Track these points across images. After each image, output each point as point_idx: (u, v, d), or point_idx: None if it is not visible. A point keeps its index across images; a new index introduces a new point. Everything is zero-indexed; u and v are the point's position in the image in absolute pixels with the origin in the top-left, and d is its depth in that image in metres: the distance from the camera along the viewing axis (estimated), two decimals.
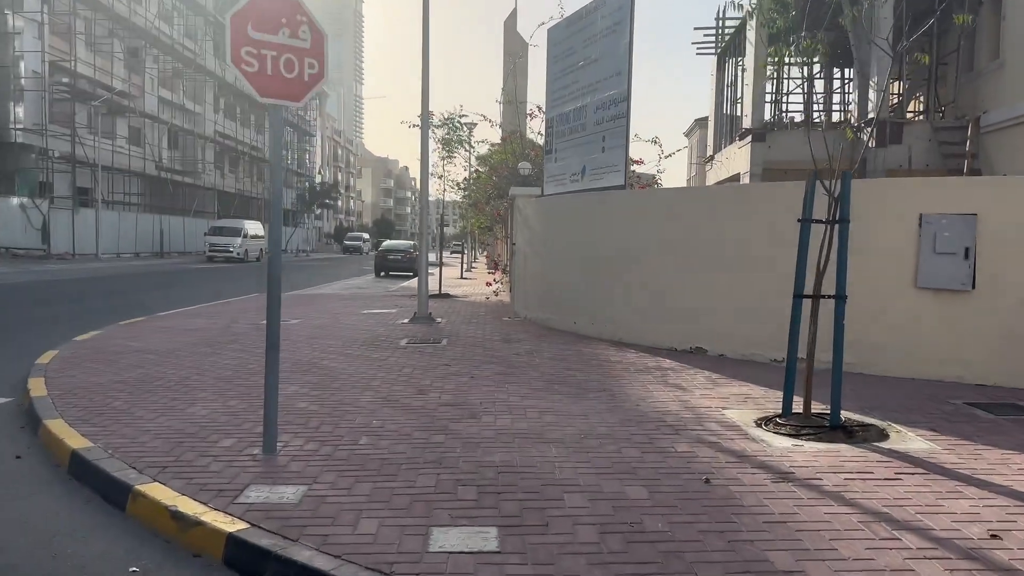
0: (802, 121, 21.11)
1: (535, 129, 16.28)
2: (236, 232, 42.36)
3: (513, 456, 4.76)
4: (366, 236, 72.60)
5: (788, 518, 3.81)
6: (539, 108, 14.74)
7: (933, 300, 7.32)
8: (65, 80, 36.27)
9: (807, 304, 5.59)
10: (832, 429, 5.37)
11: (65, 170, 36.27)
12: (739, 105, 22.64)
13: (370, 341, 9.68)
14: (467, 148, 16.55)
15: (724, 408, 6.11)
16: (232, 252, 41.00)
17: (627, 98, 10.03)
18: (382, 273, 29.82)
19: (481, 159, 18.32)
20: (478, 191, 18.20)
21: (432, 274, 25.46)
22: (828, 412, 5.64)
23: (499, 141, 16.78)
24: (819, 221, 5.56)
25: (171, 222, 45.52)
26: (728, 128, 22.74)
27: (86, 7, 37.53)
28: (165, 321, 12.13)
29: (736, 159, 19.84)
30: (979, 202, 7.09)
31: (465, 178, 18.68)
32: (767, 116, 20.37)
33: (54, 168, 35.62)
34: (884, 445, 5.13)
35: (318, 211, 79.37)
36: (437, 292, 17.42)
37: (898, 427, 5.60)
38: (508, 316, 12.60)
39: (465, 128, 16.07)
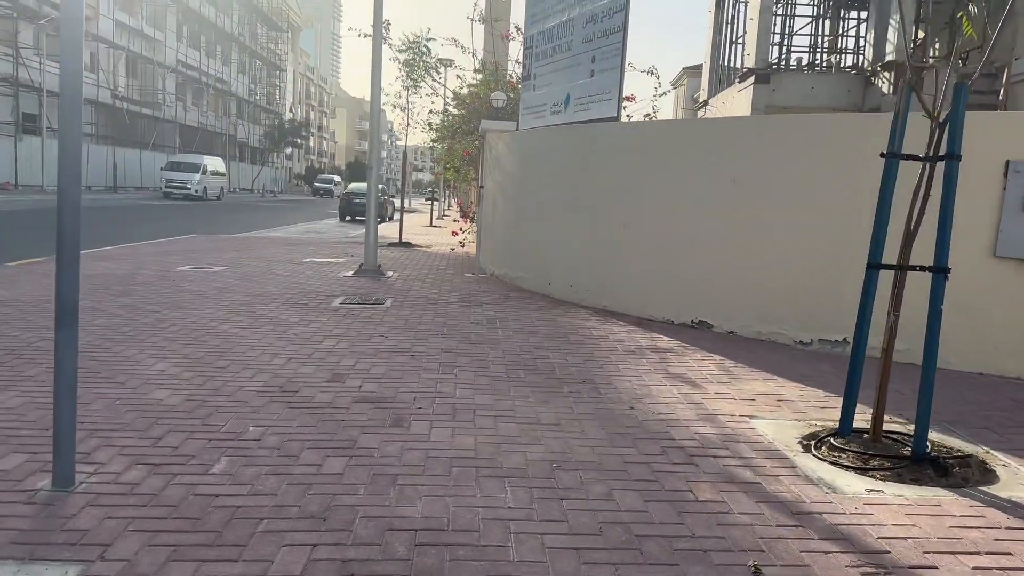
0: (810, 62, 19.24)
1: (513, 57, 14.25)
2: (195, 168, 39.86)
3: (445, 506, 3.03)
4: (338, 179, 69.62)
5: None
6: (517, 29, 12.72)
7: (1017, 274, 5.63)
8: None
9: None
10: (917, 462, 3.69)
11: (7, 93, 33.44)
12: (738, 46, 20.73)
13: (296, 298, 7.85)
14: (435, 77, 14.48)
15: (752, 417, 4.40)
16: (190, 189, 38.58)
17: (625, 8, 8.12)
18: (347, 217, 27.72)
19: (458, 99, 16.24)
20: (446, 128, 16.16)
21: (394, 220, 23.52)
22: (904, 431, 3.98)
23: (474, 71, 14.72)
24: (914, 157, 3.80)
25: (127, 155, 42.79)
26: (726, 71, 20.83)
27: None
28: None
29: (735, 103, 17.97)
30: None
31: (431, 111, 16.58)
32: (771, 57, 18.46)
33: None
34: (999, 492, 3.46)
35: (288, 151, 76.25)
36: (397, 241, 15.56)
37: (1000, 456, 3.94)
38: (472, 272, 10.81)
39: (431, 52, 13.99)
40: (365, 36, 10.20)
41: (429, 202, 34.18)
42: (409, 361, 5.34)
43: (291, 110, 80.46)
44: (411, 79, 14.46)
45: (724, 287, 6.83)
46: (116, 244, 13.38)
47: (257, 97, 67.04)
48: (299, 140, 72.40)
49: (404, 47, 14.24)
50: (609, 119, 8.29)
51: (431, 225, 26.01)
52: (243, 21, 62.30)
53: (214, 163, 42.94)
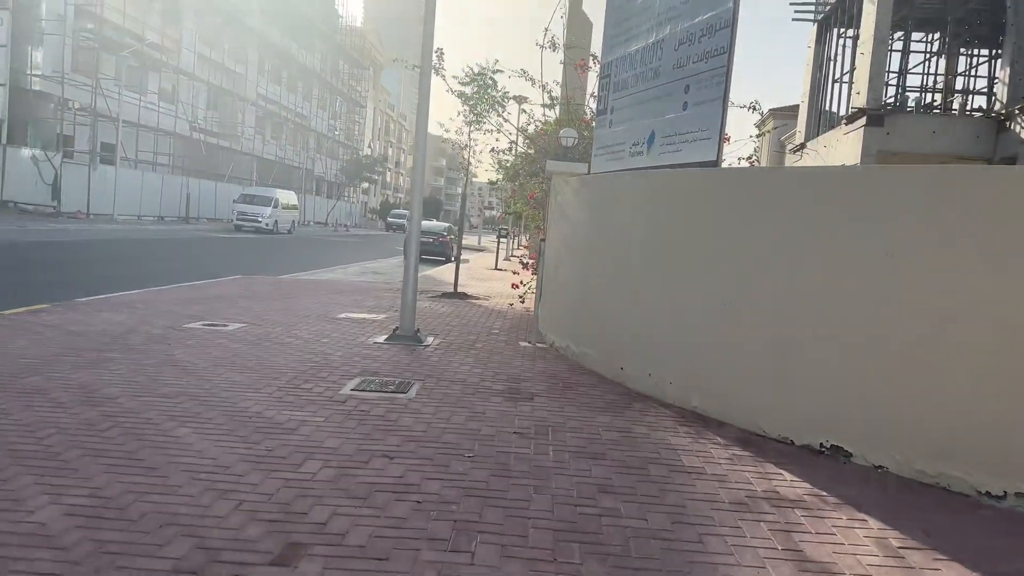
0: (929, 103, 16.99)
1: (588, 91, 12.59)
2: (267, 201, 39.53)
3: None
4: None
5: None
6: (594, 58, 11.09)
7: None
8: (90, 26, 33.67)
9: None
10: None
11: (85, 123, 33.71)
12: (840, 85, 18.66)
13: (302, 378, 6.24)
14: (499, 113, 12.97)
15: None
16: (261, 222, 38.19)
17: (731, 24, 6.37)
18: None
19: (526, 136, 14.72)
20: (511, 168, 14.59)
21: (449, 261, 21.87)
22: None
23: (543, 105, 13.13)
24: None
25: (201, 186, 42.93)
26: (827, 112, 18.76)
27: None
28: (70, 313, 8.92)
29: (841, 147, 15.87)
30: None
31: (493, 149, 15.05)
32: (885, 97, 16.34)
33: (75, 120, 33.10)
34: None
35: (364, 185, 76.45)
36: (452, 291, 13.97)
37: None
38: (528, 340, 9.05)
39: (497, 85, 12.46)
40: (414, 68, 8.72)
41: (502, 239, 32.61)
42: (411, 515, 3.61)
43: (369, 146, 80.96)
44: (474, 114, 12.97)
45: (871, 400, 4.90)
46: (146, 287, 12.20)
47: (336, 133, 67.45)
48: (375, 176, 72.55)
49: (467, 79, 12.79)
50: (706, 164, 6.51)
51: (495, 267, 24.47)
52: (325, 58, 62.98)
53: (287, 197, 42.65)
